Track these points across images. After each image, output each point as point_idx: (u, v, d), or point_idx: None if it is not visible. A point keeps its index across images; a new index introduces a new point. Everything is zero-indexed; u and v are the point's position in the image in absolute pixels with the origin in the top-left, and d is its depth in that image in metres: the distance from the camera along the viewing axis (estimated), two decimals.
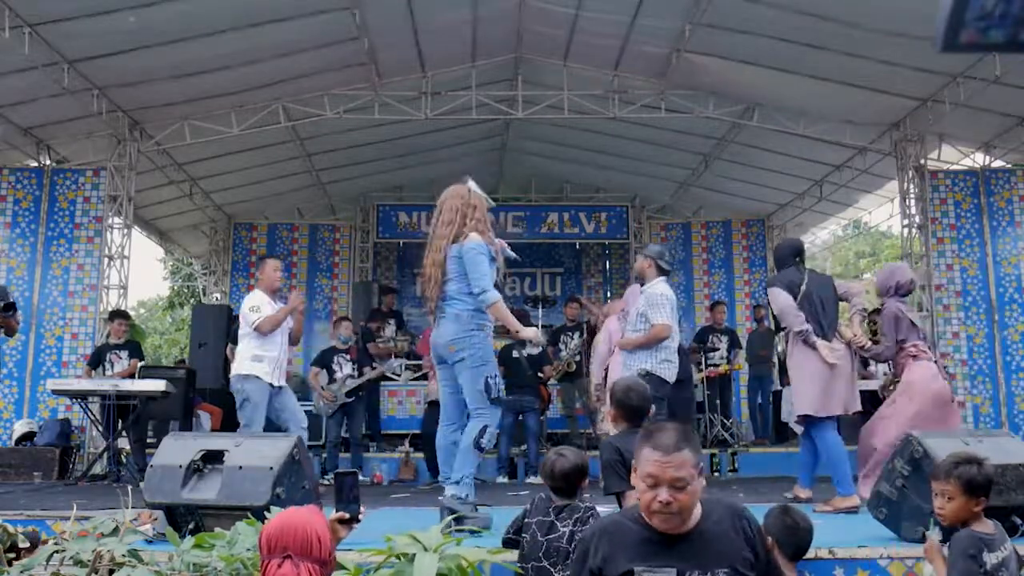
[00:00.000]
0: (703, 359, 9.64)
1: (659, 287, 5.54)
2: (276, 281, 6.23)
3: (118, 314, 8.53)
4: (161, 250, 15.18)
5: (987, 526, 2.76)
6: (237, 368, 5.91)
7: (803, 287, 5.38)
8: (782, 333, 6.38)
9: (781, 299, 5.37)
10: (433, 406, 7.56)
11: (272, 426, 5.95)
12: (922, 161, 9.73)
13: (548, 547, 2.98)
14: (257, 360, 5.82)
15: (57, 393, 7.73)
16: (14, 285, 8.80)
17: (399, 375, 9.74)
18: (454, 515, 3.81)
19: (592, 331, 8.52)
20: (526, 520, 3.13)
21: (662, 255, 5.72)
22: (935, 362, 5.34)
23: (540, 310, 11.33)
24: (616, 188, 13.30)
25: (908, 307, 5.49)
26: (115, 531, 3.14)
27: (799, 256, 5.63)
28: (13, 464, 7.85)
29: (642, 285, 5.68)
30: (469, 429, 4.23)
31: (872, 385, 8.11)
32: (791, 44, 8.03)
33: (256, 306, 5.98)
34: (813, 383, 5.25)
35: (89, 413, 7.78)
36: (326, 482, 7.48)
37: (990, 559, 2.64)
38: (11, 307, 5.72)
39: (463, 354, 4.25)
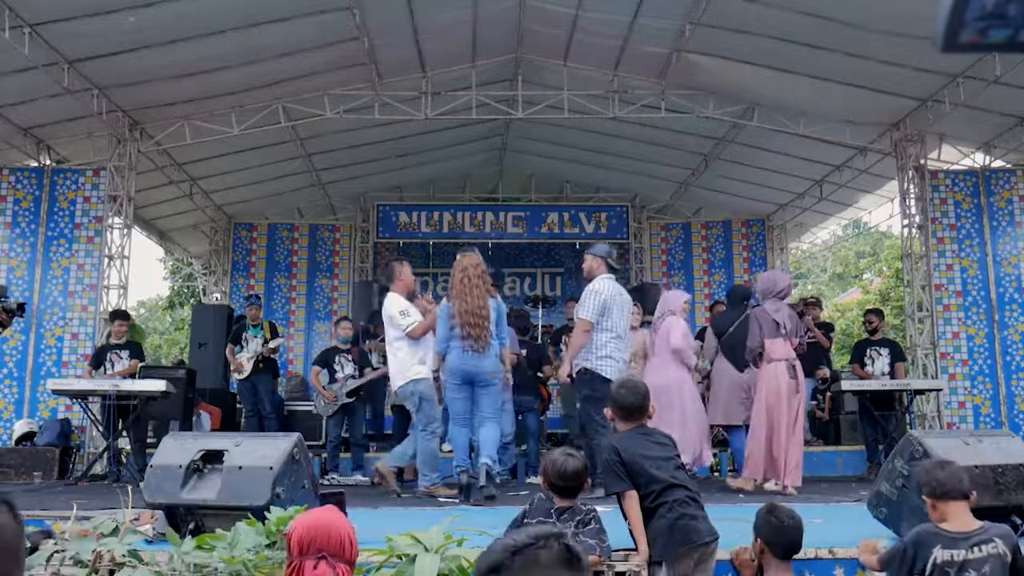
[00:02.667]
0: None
1: (595, 284, 5.89)
2: (413, 283, 6.49)
3: (118, 315, 8.52)
4: (161, 250, 15.15)
5: (962, 524, 2.77)
6: (407, 375, 6.04)
7: (731, 329, 6.65)
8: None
9: (707, 341, 6.99)
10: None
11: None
12: (922, 161, 9.73)
13: None
14: (422, 363, 6.06)
15: (57, 393, 7.73)
16: (14, 285, 8.80)
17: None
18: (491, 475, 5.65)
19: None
20: (525, 520, 3.12)
21: (610, 254, 6.05)
22: (784, 360, 6.14)
23: (540, 310, 11.33)
24: (616, 188, 13.30)
25: (778, 307, 6.34)
26: (115, 531, 3.14)
27: (746, 301, 6.79)
28: (13, 464, 7.85)
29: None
30: (494, 428, 5.82)
31: (874, 385, 8.13)
32: (791, 44, 8.03)
33: (406, 310, 6.15)
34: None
35: (89, 413, 7.78)
36: (326, 482, 7.49)
37: (943, 555, 2.66)
38: (22, 307, 5.76)
39: (498, 380, 5.88)
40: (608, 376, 5.64)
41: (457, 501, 5.61)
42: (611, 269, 5.96)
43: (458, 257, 6.09)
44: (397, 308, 6.12)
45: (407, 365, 6.04)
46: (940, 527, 2.76)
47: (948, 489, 2.80)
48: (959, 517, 2.79)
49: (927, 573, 2.67)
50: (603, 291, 5.78)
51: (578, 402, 6.12)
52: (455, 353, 5.77)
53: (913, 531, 2.80)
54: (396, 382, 6.17)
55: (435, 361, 6.12)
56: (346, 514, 2.73)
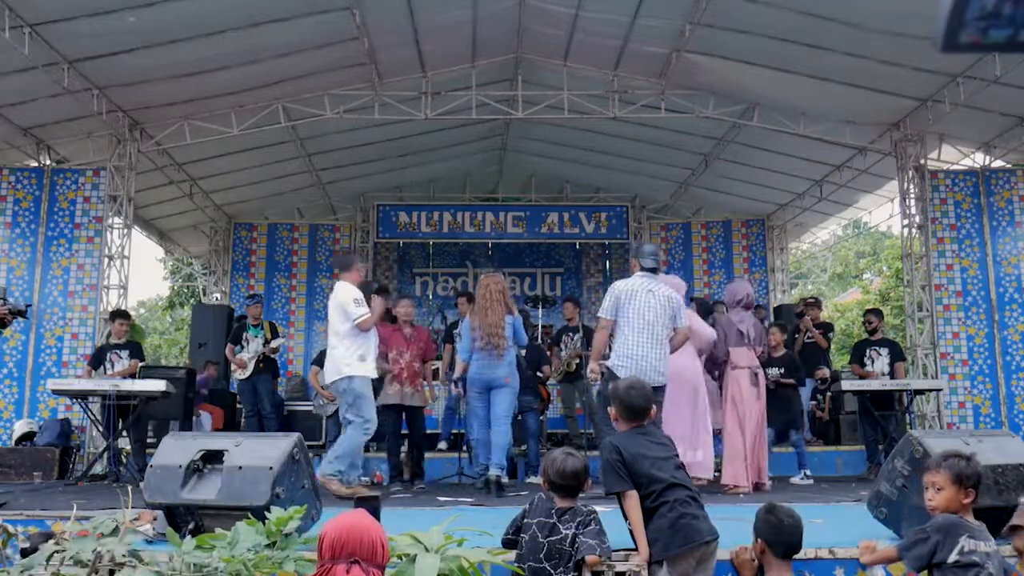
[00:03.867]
0: None
1: (616, 283, 5.87)
2: (363, 281, 6.53)
3: (119, 314, 8.51)
4: (161, 250, 15.17)
5: (973, 518, 2.85)
6: (345, 369, 5.82)
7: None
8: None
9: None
10: (390, 409, 7.57)
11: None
12: (922, 161, 9.73)
13: (549, 548, 2.97)
14: (362, 359, 5.90)
15: (57, 393, 7.73)
16: (14, 285, 8.80)
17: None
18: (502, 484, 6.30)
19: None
20: (525, 520, 3.12)
21: (648, 254, 5.90)
22: (747, 368, 6.46)
23: (540, 310, 11.32)
24: (616, 188, 13.30)
25: (742, 316, 6.63)
26: (115, 531, 3.14)
27: (711, 315, 7.07)
28: (13, 464, 7.84)
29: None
30: (505, 431, 6.50)
31: (874, 385, 8.13)
32: (791, 44, 8.03)
33: (360, 299, 5.99)
34: None
35: (89, 413, 7.78)
36: None
37: (969, 544, 2.72)
38: (28, 308, 5.80)
39: (513, 383, 6.61)
40: (621, 376, 5.58)
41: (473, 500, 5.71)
42: (645, 268, 5.83)
43: (481, 278, 6.96)
44: (351, 296, 5.97)
45: (345, 360, 5.84)
46: (964, 519, 2.80)
47: (976, 480, 2.85)
48: (970, 511, 2.84)
49: (950, 561, 2.71)
50: (616, 288, 5.74)
51: (584, 396, 6.21)
52: (476, 364, 6.62)
53: (938, 519, 2.82)
54: (330, 376, 5.96)
55: (458, 368, 6.81)
56: (379, 519, 2.71)
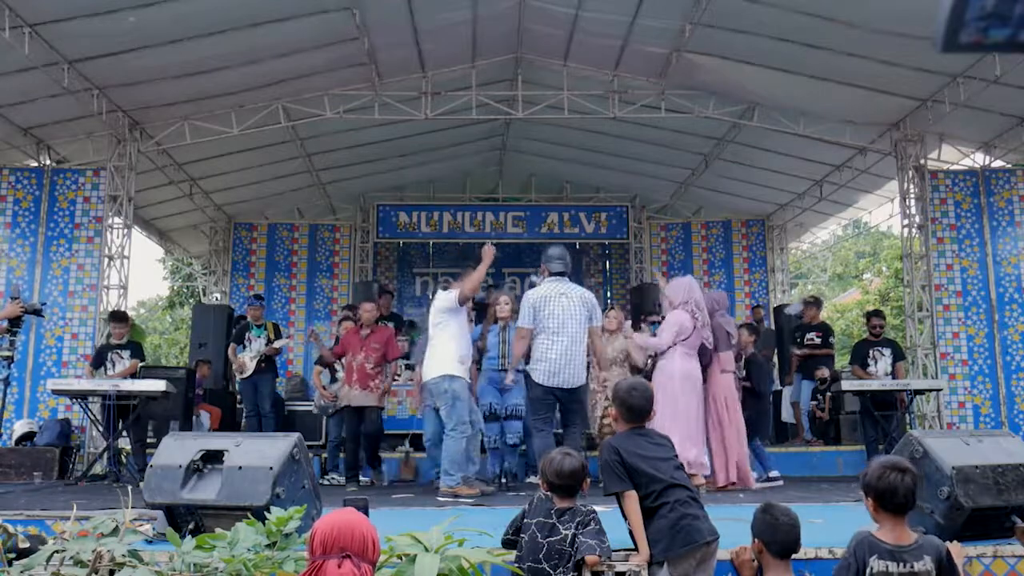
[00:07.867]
0: None
1: (529, 291, 6.14)
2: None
3: (119, 316, 8.49)
4: (161, 250, 15.17)
5: (900, 536, 2.71)
6: (443, 368, 6.07)
7: None
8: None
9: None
10: (347, 411, 7.63)
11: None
12: (922, 161, 9.73)
13: (549, 549, 2.97)
14: (462, 362, 6.12)
15: (57, 393, 7.73)
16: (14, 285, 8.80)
17: (399, 375, 9.72)
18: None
19: None
20: (525, 520, 3.12)
21: (552, 259, 6.20)
22: (731, 372, 6.66)
23: None
24: (616, 188, 13.30)
25: (728, 321, 6.78)
26: (115, 531, 3.14)
27: None
28: (13, 464, 7.84)
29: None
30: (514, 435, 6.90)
31: (874, 385, 8.12)
32: (791, 44, 8.03)
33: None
34: None
35: (89, 413, 7.77)
36: (326, 482, 7.48)
37: (878, 565, 2.63)
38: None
39: (513, 386, 6.71)
40: (537, 379, 5.86)
41: (473, 501, 5.64)
42: (554, 272, 6.13)
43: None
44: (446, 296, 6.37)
45: (448, 359, 6.10)
46: (877, 536, 2.70)
47: (876, 491, 2.73)
48: (896, 528, 2.72)
49: None
50: (530, 298, 6.01)
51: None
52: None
53: (853, 537, 2.75)
54: (436, 372, 6.17)
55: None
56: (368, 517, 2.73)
